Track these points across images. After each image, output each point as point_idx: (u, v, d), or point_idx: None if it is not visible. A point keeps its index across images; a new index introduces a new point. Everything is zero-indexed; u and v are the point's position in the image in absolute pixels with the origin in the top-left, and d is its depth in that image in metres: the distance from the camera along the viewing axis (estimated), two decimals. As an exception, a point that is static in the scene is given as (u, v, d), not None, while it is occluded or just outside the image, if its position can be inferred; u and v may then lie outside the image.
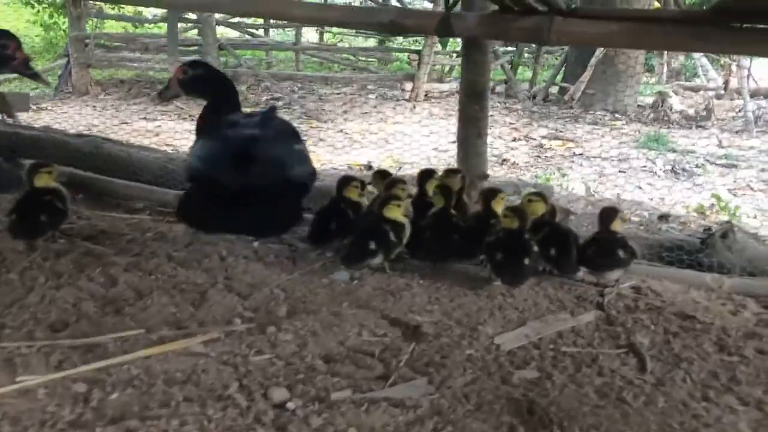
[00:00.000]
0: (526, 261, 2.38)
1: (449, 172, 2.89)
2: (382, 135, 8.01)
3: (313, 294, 2.33)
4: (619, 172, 7.08)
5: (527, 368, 1.87)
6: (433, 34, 3.54)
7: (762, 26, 2.43)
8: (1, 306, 2.07)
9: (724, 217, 5.17)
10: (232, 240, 2.88)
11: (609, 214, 2.57)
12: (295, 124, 8.32)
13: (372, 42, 13.22)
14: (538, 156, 7.75)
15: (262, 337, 1.96)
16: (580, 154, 7.71)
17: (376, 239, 2.51)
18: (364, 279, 2.47)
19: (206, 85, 2.65)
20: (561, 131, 8.70)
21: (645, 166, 7.26)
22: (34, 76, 2.86)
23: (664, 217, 4.64)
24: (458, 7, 3.17)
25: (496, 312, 2.24)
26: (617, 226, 2.57)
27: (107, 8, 11.28)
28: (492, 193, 2.66)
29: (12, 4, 14.89)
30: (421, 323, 2.10)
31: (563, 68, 11.30)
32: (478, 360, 1.89)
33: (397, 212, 2.54)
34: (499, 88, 11.36)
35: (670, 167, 7.19)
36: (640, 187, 6.50)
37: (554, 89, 11.22)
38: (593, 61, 10.14)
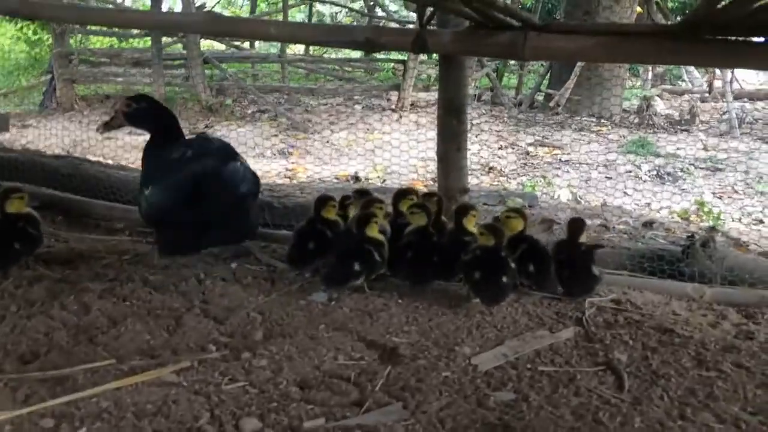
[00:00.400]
0: (504, 279, 2.37)
1: (426, 196, 2.89)
2: (368, 145, 7.99)
3: (290, 316, 2.31)
4: (606, 178, 7.09)
5: (504, 390, 1.85)
6: (409, 51, 3.53)
7: (733, 38, 2.44)
8: (-30, 338, 2.03)
9: (709, 222, 5.19)
10: (210, 262, 2.86)
11: (578, 225, 2.55)
12: (281, 136, 8.35)
13: (357, 52, 13.21)
14: (525, 163, 7.75)
15: (237, 364, 1.93)
16: (567, 161, 7.72)
17: (360, 260, 2.49)
18: (342, 300, 2.45)
19: (149, 118, 2.74)
20: (547, 138, 8.71)
21: (630, 172, 7.27)
22: None
23: (648, 224, 4.65)
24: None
25: (474, 331, 2.23)
26: (583, 236, 2.58)
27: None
28: (463, 210, 2.64)
29: (-4, 21, 14.79)
30: (398, 345, 2.09)
31: (548, 75, 11.33)
32: (454, 382, 1.88)
33: (375, 231, 2.53)
34: (485, 96, 11.39)
35: (655, 172, 7.21)
36: (626, 193, 6.51)
37: (540, 96, 11.24)
38: (578, 67, 10.17)
